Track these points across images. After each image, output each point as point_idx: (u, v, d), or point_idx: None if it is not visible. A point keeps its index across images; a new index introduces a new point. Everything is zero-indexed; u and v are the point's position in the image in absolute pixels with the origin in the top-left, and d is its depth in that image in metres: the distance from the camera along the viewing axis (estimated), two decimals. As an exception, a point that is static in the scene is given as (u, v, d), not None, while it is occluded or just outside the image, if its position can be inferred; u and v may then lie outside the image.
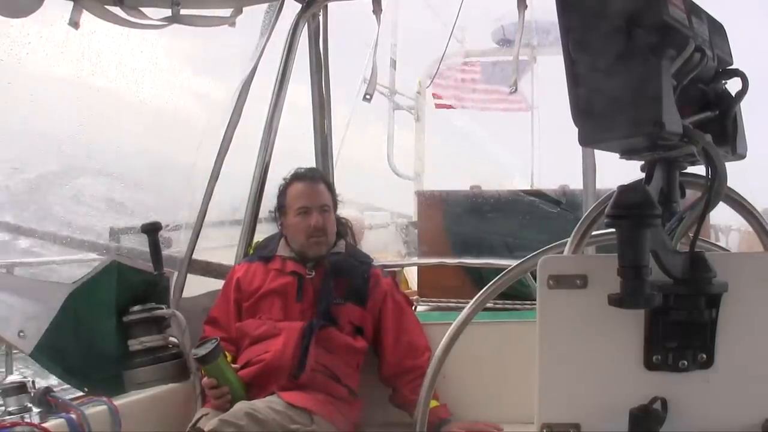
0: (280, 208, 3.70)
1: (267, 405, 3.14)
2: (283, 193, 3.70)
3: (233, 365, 3.39)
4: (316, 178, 3.71)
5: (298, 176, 3.71)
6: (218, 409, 3.22)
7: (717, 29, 1.49)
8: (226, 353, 3.37)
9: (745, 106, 1.52)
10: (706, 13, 1.44)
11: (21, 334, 2.97)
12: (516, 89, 4.30)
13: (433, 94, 10.46)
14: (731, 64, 1.53)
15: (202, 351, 3.21)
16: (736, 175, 1.47)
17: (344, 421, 3.36)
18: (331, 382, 3.40)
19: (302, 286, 3.53)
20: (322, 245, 3.59)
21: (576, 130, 1.30)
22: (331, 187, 3.76)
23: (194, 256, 3.86)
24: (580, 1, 1.30)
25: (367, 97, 4.53)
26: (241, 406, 3.10)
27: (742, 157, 1.56)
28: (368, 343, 3.60)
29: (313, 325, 3.40)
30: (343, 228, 3.83)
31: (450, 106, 10.75)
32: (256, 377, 3.35)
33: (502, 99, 10.54)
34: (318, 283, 3.55)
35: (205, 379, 3.30)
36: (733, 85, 1.51)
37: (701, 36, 1.36)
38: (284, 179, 3.75)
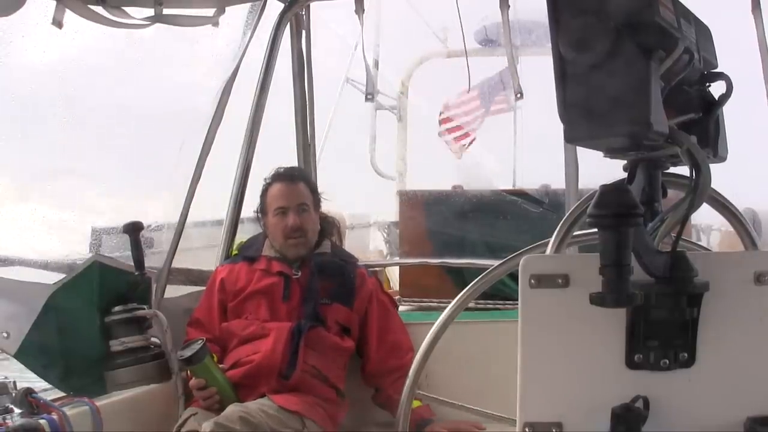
0: (262, 209, 3.70)
1: (259, 408, 3.13)
2: (263, 193, 3.69)
3: (220, 365, 3.38)
4: (295, 178, 3.69)
5: (277, 177, 3.70)
6: (207, 409, 3.22)
7: (703, 32, 1.49)
8: (212, 354, 3.35)
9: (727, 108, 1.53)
10: (694, 15, 1.44)
11: (5, 335, 2.95)
12: (522, 95, 4.20)
13: (447, 131, 10.22)
14: (716, 66, 1.54)
15: (188, 352, 3.19)
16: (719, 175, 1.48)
17: (332, 423, 3.37)
18: (320, 383, 3.40)
19: (289, 286, 3.53)
20: (300, 246, 3.58)
21: (560, 129, 1.30)
22: (311, 186, 3.75)
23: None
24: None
25: (369, 96, 4.51)
26: (235, 409, 3.08)
27: (723, 159, 1.57)
28: (355, 343, 3.60)
29: (302, 325, 3.39)
30: (329, 226, 3.83)
31: (467, 135, 10.48)
32: (245, 378, 3.34)
33: (495, 107, 10.40)
34: (304, 283, 3.54)
35: (193, 381, 3.28)
36: (716, 88, 1.52)
37: (689, 38, 1.37)
38: (265, 180, 3.74)
